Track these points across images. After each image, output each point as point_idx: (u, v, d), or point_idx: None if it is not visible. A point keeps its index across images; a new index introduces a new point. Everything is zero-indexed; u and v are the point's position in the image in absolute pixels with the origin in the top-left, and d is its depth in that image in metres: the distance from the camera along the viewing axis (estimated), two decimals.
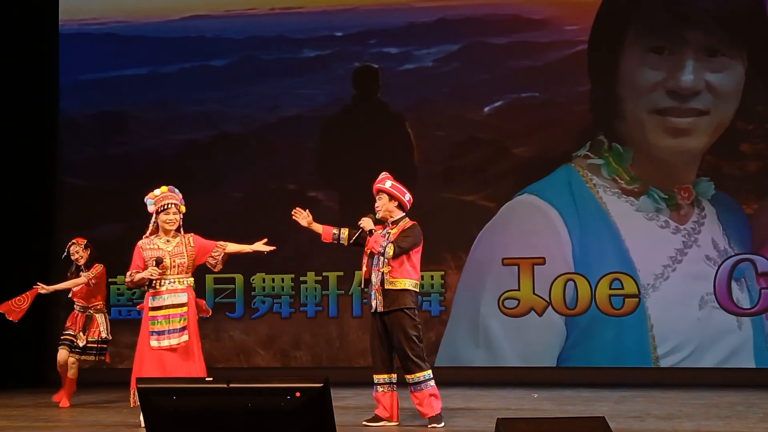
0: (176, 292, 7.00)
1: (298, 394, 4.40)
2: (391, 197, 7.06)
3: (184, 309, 6.97)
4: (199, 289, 10.71)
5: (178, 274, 7.04)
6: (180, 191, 10.92)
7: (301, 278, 10.68)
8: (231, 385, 4.47)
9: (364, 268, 7.00)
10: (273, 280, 10.72)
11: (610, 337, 10.01)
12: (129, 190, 11.00)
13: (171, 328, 6.94)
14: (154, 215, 7.15)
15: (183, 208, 7.19)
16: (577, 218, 10.11)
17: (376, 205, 7.07)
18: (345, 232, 7.15)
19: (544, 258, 10.16)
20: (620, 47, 10.22)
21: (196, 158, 11.00)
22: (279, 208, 10.73)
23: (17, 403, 8.89)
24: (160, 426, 4.57)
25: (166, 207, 7.10)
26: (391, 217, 7.04)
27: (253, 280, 10.75)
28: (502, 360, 10.24)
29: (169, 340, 6.92)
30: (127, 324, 10.94)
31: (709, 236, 9.92)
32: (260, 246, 7.25)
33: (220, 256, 7.21)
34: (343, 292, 10.56)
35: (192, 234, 7.21)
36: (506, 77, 10.57)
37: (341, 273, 10.45)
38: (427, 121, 10.68)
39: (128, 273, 7.12)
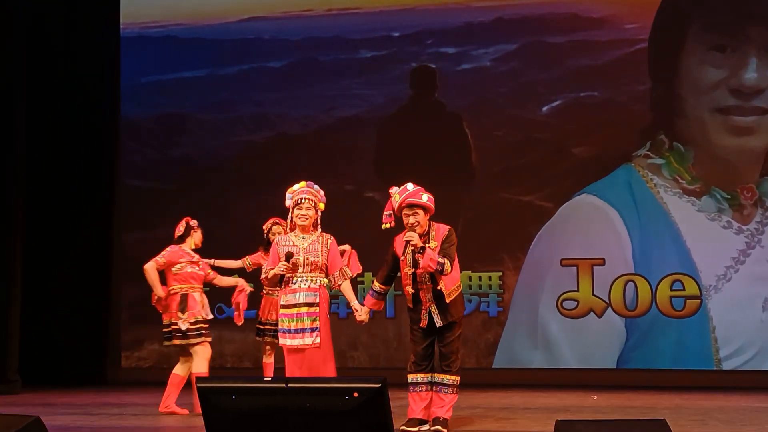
0: (308, 290, 6.69)
1: (355, 395, 4.41)
2: (426, 210, 6.85)
3: (316, 309, 6.66)
4: (256, 290, 10.85)
5: (311, 272, 6.72)
6: (238, 192, 11.08)
7: (359, 278, 10.68)
8: (289, 386, 4.49)
9: (410, 289, 6.79)
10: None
11: (671, 339, 9.88)
12: (188, 191, 11.13)
13: (301, 327, 6.65)
14: (290, 209, 6.89)
15: (322, 206, 6.94)
16: (638, 218, 9.99)
17: (413, 221, 6.77)
18: (377, 285, 6.97)
19: (603, 259, 10.05)
20: (681, 45, 10.09)
21: (255, 159, 11.07)
22: (336, 208, 10.78)
23: (81, 401, 9.01)
24: (219, 425, 4.61)
25: (300, 201, 6.86)
26: (423, 229, 6.84)
27: None
28: (560, 361, 10.16)
29: (300, 340, 6.62)
30: None
31: None
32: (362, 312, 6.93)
33: (337, 284, 6.89)
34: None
35: (332, 238, 6.93)
36: (565, 76, 10.49)
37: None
38: (485, 121, 10.63)
39: (263, 270, 6.89)
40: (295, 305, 6.68)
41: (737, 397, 8.67)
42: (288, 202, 6.91)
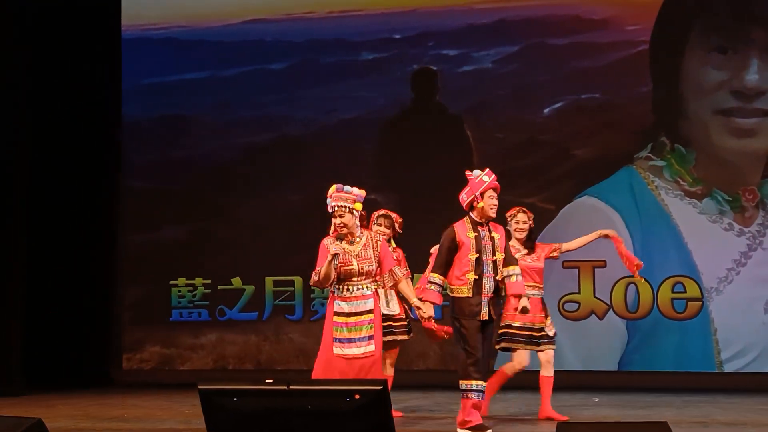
0: (364, 298, 6.48)
1: (357, 396, 4.41)
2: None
3: (371, 316, 6.46)
4: (257, 292, 10.87)
5: (365, 279, 6.49)
6: (240, 194, 11.09)
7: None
8: (291, 387, 4.49)
9: (473, 276, 6.70)
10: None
11: (672, 341, 9.87)
12: (190, 193, 11.14)
13: (358, 336, 6.44)
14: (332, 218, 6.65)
15: (358, 206, 6.60)
16: (639, 221, 9.99)
17: (496, 203, 6.79)
18: (438, 277, 6.74)
19: (605, 261, 10.04)
20: (683, 47, 10.09)
21: (257, 161, 11.08)
22: None
23: (82, 403, 9.01)
24: (221, 427, 4.61)
25: (333, 210, 6.61)
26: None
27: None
28: (562, 364, 10.11)
29: (356, 349, 6.43)
30: (188, 326, 11.06)
31: None
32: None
33: (388, 286, 6.64)
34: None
35: (381, 238, 6.68)
36: (566, 78, 10.49)
37: None
38: (486, 123, 10.63)
39: (314, 272, 6.59)
40: (352, 314, 6.46)
41: (739, 399, 8.66)
42: (329, 209, 6.65)
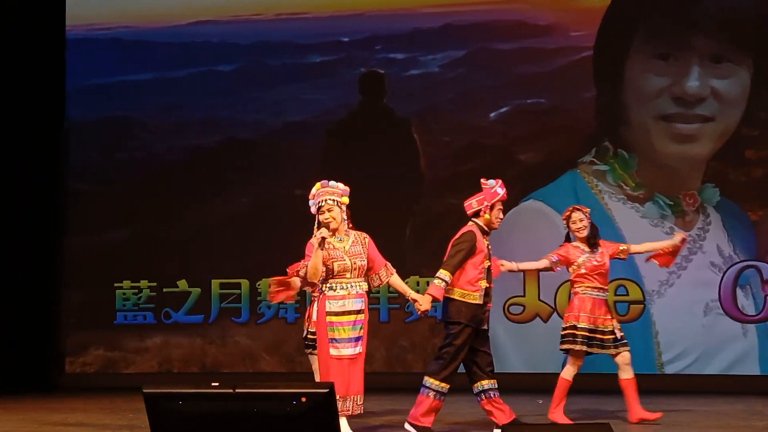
0: (357, 296, 6.47)
1: (303, 400, 4.42)
2: None
3: (361, 316, 6.49)
4: (204, 294, 10.82)
5: (357, 277, 6.48)
6: (187, 196, 11.03)
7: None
8: (237, 390, 4.49)
9: (485, 284, 6.78)
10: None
11: None
12: (136, 195, 11.05)
13: (349, 336, 6.46)
14: (316, 217, 6.57)
15: (346, 200, 6.59)
16: None
17: (501, 216, 6.90)
18: (448, 275, 6.70)
19: None
20: (626, 53, 10.23)
21: (203, 164, 11.02)
22: (285, 213, 10.79)
23: (24, 407, 8.90)
24: (166, 430, 4.59)
25: (320, 205, 6.53)
26: None
27: (259, 285, 10.76)
28: (507, 366, 10.23)
29: (352, 349, 6.46)
30: (132, 329, 10.97)
31: (714, 243, 9.92)
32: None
33: (384, 281, 6.65)
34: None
35: (368, 236, 6.66)
36: (512, 83, 10.58)
37: None
38: (433, 127, 10.70)
39: (298, 269, 6.58)
40: (350, 312, 6.45)
41: (679, 400, 8.80)
42: (312, 209, 6.61)
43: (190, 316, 10.87)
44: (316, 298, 6.74)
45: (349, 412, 6.55)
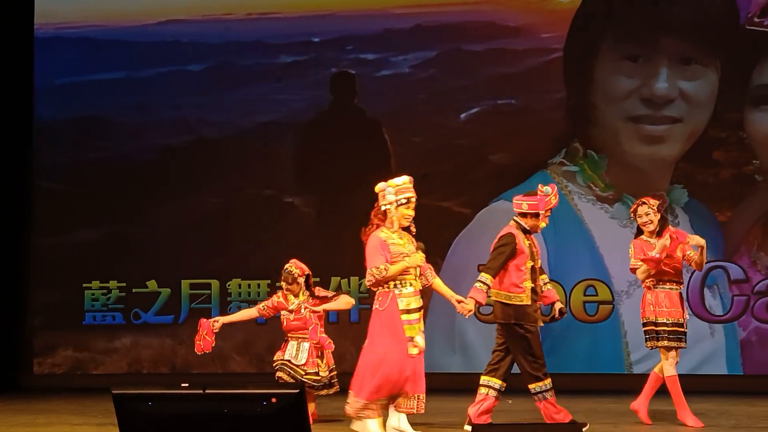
0: (419, 294, 6.52)
1: (273, 400, 4.42)
2: None
3: (421, 313, 6.54)
4: (173, 295, 10.77)
5: (417, 275, 6.52)
6: (157, 196, 10.99)
7: (277, 284, 10.63)
8: (207, 391, 4.48)
9: (530, 284, 6.84)
10: (249, 285, 10.71)
11: (584, 344, 10.07)
12: (105, 195, 10.99)
13: (422, 330, 6.50)
14: (391, 206, 6.54)
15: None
16: (553, 225, 10.10)
17: (545, 224, 6.93)
18: (490, 278, 6.72)
19: None
20: (595, 55, 10.29)
21: (173, 163, 10.98)
22: (256, 213, 10.77)
23: None
24: None
25: (407, 200, 6.54)
26: None
27: (229, 285, 10.74)
28: (478, 366, 10.22)
29: (418, 347, 6.51)
30: (102, 330, 10.91)
31: None
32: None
33: (430, 281, 6.69)
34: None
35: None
36: (482, 84, 10.62)
37: (317, 279, 10.42)
38: (404, 128, 10.71)
39: (378, 267, 6.40)
40: (418, 309, 6.49)
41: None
42: (389, 197, 6.56)
43: (159, 317, 10.82)
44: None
45: (414, 411, 6.57)
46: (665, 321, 7.12)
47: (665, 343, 7.15)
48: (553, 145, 10.35)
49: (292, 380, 7.36)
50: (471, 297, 6.68)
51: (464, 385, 9.96)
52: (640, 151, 10.16)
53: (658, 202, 7.33)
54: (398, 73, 10.78)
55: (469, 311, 6.66)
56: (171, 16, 11.10)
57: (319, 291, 7.67)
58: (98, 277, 10.91)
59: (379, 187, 6.68)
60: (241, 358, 10.72)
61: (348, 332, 10.27)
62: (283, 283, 7.58)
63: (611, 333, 10.01)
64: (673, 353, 7.20)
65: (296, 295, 7.57)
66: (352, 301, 7.72)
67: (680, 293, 7.23)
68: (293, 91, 10.93)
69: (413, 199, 6.58)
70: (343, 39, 10.87)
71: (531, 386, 6.89)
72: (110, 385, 4.67)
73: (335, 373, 7.61)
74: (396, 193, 6.55)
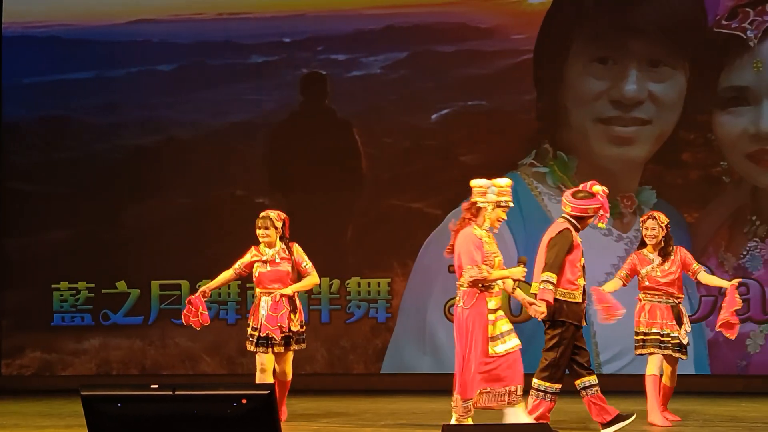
0: (500, 294, 6.60)
1: (244, 401, 4.41)
2: None
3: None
4: (143, 296, 10.72)
5: None
6: (127, 197, 10.93)
7: (248, 284, 10.64)
8: (177, 392, 4.46)
9: (583, 282, 6.89)
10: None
11: None
12: (74, 195, 10.92)
13: (510, 327, 6.57)
14: (490, 205, 6.56)
15: None
16: (523, 226, 10.20)
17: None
18: (555, 277, 6.76)
19: None
20: (565, 57, 10.34)
21: (143, 164, 10.93)
22: (226, 214, 10.74)
23: None
24: None
25: (506, 204, 6.57)
26: None
27: (199, 286, 10.61)
28: (448, 367, 10.25)
29: (516, 340, 6.57)
30: (70, 331, 10.84)
31: None
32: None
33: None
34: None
35: None
36: (453, 85, 10.65)
37: None
38: (375, 128, 10.72)
39: (478, 267, 6.43)
40: (497, 309, 6.54)
41: (616, 400, 8.86)
42: (490, 197, 6.56)
43: (129, 318, 10.77)
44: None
45: (505, 403, 6.60)
46: (647, 330, 7.51)
47: (650, 350, 7.50)
48: (524, 147, 10.39)
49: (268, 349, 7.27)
50: (541, 299, 6.65)
51: (435, 386, 10.02)
52: (610, 152, 10.22)
53: (667, 220, 7.61)
54: (369, 73, 10.79)
55: (542, 313, 6.63)
56: (141, 15, 11.04)
57: (297, 250, 7.52)
58: (67, 277, 10.84)
59: (480, 183, 6.65)
60: (212, 359, 10.68)
61: (319, 333, 10.27)
62: (260, 231, 7.46)
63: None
64: (660, 358, 7.51)
65: (271, 245, 7.46)
66: (318, 281, 7.65)
67: (672, 306, 7.54)
68: (264, 91, 10.92)
69: (510, 204, 6.63)
70: (314, 39, 10.86)
71: (578, 382, 6.87)
72: (79, 386, 4.64)
73: (305, 328, 7.53)
74: (499, 194, 6.55)
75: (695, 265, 7.68)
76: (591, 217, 6.94)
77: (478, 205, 6.57)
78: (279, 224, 7.43)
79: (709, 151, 10.16)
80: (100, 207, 10.85)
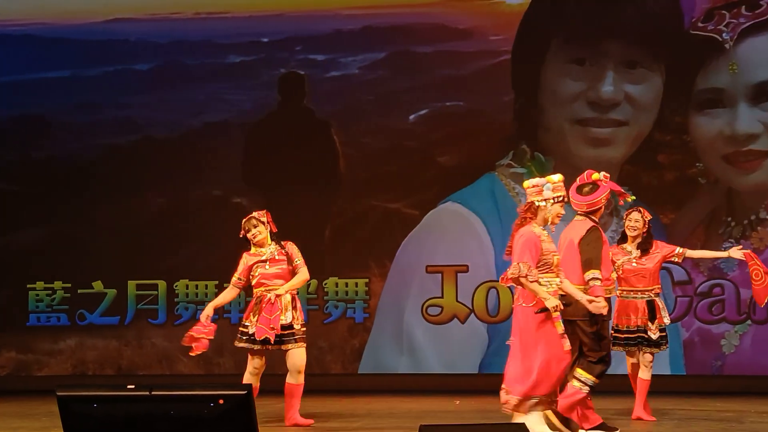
0: (556, 294, 6.52)
1: (221, 402, 4.40)
2: None
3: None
4: (120, 296, 10.68)
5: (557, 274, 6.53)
6: (103, 196, 10.89)
7: (225, 284, 10.57)
8: (153, 393, 4.45)
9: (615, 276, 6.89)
10: (196, 286, 10.65)
11: None
12: (50, 194, 10.86)
13: (564, 329, 6.50)
14: (547, 202, 6.52)
15: None
16: (500, 226, 10.23)
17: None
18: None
19: (467, 265, 10.26)
20: (543, 58, 10.38)
21: (120, 163, 10.88)
22: (203, 214, 10.71)
23: None
24: None
25: (563, 198, 6.50)
26: None
27: (176, 286, 10.67)
28: (425, 367, 10.31)
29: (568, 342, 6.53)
30: (46, 331, 10.79)
31: None
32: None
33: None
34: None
35: None
36: (431, 86, 10.66)
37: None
38: (353, 129, 10.72)
39: (523, 264, 6.34)
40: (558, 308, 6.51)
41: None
42: (546, 194, 6.52)
43: (105, 318, 10.73)
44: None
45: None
46: (625, 328, 7.58)
47: (623, 348, 7.62)
48: (501, 147, 10.42)
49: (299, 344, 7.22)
50: (599, 296, 6.60)
51: (412, 386, 10.05)
52: (587, 153, 10.26)
53: (650, 217, 7.72)
54: (347, 74, 10.79)
55: (604, 307, 6.57)
56: (118, 14, 11.00)
57: (291, 247, 7.48)
58: (43, 277, 10.78)
59: (533, 182, 6.65)
60: (188, 360, 10.62)
61: None
62: (250, 232, 7.40)
63: None
64: (636, 355, 7.64)
65: (264, 243, 7.42)
66: (308, 276, 7.61)
67: (648, 301, 7.59)
68: (242, 91, 10.90)
69: (566, 199, 6.61)
70: (293, 39, 10.85)
71: (579, 373, 6.80)
72: (55, 386, 4.62)
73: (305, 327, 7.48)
74: (554, 189, 6.54)
75: (678, 249, 7.74)
76: (603, 206, 6.91)
77: (536, 204, 6.55)
78: (264, 219, 7.44)
79: (685, 153, 10.22)
80: (77, 206, 10.80)
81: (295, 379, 7.31)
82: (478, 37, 10.59)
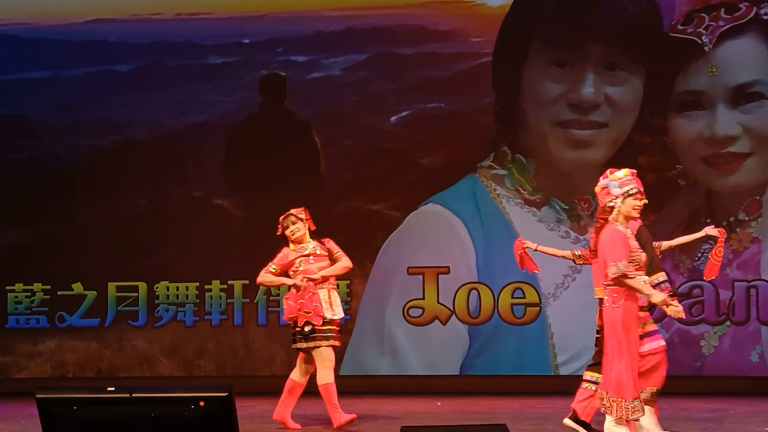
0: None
1: (202, 404, 4.40)
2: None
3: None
4: (101, 297, 10.64)
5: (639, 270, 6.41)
6: (84, 197, 10.84)
7: (206, 286, 10.60)
8: (134, 395, 4.45)
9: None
10: (177, 288, 10.62)
11: (512, 346, 10.17)
12: (30, 195, 10.81)
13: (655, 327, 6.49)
14: (618, 199, 6.40)
15: None
16: (481, 228, 10.26)
17: None
18: None
19: (448, 267, 10.28)
20: (523, 60, 10.40)
21: (100, 164, 10.84)
22: (184, 215, 10.69)
23: None
24: None
25: (636, 191, 6.38)
26: None
27: (156, 288, 10.63)
28: (406, 368, 10.32)
29: (655, 342, 6.53)
30: (25, 333, 10.73)
31: None
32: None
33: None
34: (248, 300, 10.53)
35: None
36: (413, 87, 10.68)
37: (246, 281, 10.40)
38: (334, 130, 10.72)
39: (621, 263, 6.22)
40: (644, 308, 6.52)
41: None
42: (615, 191, 6.42)
43: (85, 320, 10.68)
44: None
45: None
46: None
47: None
48: (482, 149, 10.44)
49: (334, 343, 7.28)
50: (673, 299, 6.55)
51: (393, 388, 10.06)
52: (567, 155, 10.30)
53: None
54: (329, 75, 10.79)
55: (681, 311, 6.50)
56: (99, 15, 10.96)
57: (329, 243, 7.48)
58: (22, 279, 10.73)
59: (600, 185, 6.56)
60: (169, 362, 10.62)
61: (278, 335, 10.25)
62: (289, 229, 7.39)
63: (538, 335, 10.14)
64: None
65: (303, 239, 7.42)
66: (350, 264, 7.62)
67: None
68: (223, 92, 10.88)
69: (642, 190, 6.45)
70: (274, 40, 10.84)
71: (591, 373, 6.76)
72: (34, 389, 4.61)
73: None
74: (621, 185, 6.44)
75: (654, 243, 7.67)
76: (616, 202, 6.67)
77: (609, 205, 6.46)
78: (302, 216, 7.49)
79: (664, 155, 10.27)
80: (57, 207, 10.76)
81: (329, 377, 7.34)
82: (460, 38, 10.61)
